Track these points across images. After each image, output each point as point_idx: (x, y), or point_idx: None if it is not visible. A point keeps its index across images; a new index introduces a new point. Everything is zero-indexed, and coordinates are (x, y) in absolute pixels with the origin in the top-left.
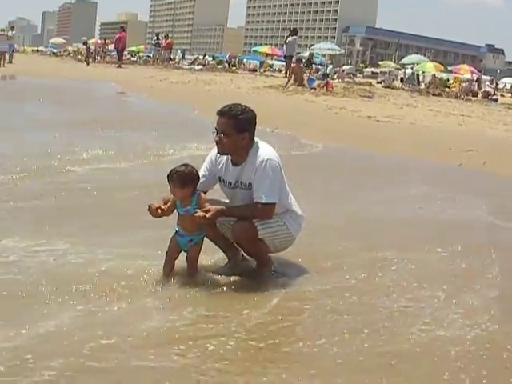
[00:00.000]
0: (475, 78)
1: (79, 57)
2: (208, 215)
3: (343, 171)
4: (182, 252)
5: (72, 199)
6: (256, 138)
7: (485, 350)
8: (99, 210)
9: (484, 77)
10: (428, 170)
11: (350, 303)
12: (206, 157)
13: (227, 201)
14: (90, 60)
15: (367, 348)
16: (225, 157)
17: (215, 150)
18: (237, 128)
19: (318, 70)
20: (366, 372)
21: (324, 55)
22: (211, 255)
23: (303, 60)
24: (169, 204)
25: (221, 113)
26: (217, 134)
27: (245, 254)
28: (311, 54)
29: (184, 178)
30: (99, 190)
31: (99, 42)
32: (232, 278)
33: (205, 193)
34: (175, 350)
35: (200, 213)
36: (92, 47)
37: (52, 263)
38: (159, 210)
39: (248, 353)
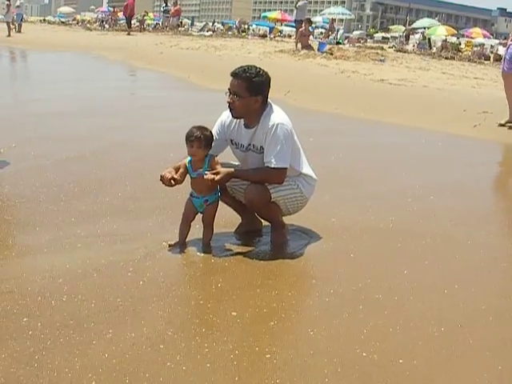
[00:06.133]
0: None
1: (88, 25)
2: (217, 178)
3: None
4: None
5: None
6: (269, 101)
7: None
8: None
9: (495, 40)
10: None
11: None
12: (217, 120)
13: (238, 163)
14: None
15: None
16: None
17: (226, 112)
18: (250, 90)
19: (328, 35)
20: None
21: (334, 20)
22: (225, 218)
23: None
24: (180, 171)
25: (235, 74)
26: (229, 95)
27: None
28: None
29: (209, 139)
30: None
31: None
32: (246, 241)
33: (215, 156)
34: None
35: (209, 175)
36: (100, 15)
37: None
38: (172, 181)
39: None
